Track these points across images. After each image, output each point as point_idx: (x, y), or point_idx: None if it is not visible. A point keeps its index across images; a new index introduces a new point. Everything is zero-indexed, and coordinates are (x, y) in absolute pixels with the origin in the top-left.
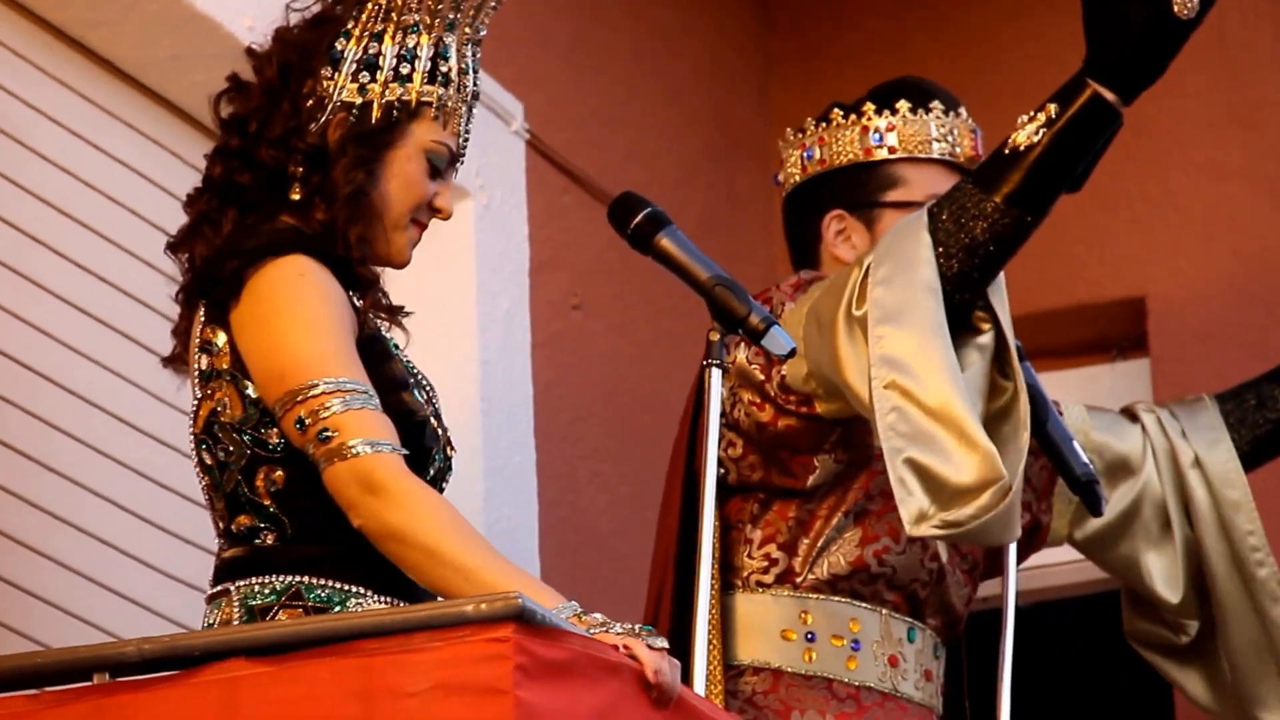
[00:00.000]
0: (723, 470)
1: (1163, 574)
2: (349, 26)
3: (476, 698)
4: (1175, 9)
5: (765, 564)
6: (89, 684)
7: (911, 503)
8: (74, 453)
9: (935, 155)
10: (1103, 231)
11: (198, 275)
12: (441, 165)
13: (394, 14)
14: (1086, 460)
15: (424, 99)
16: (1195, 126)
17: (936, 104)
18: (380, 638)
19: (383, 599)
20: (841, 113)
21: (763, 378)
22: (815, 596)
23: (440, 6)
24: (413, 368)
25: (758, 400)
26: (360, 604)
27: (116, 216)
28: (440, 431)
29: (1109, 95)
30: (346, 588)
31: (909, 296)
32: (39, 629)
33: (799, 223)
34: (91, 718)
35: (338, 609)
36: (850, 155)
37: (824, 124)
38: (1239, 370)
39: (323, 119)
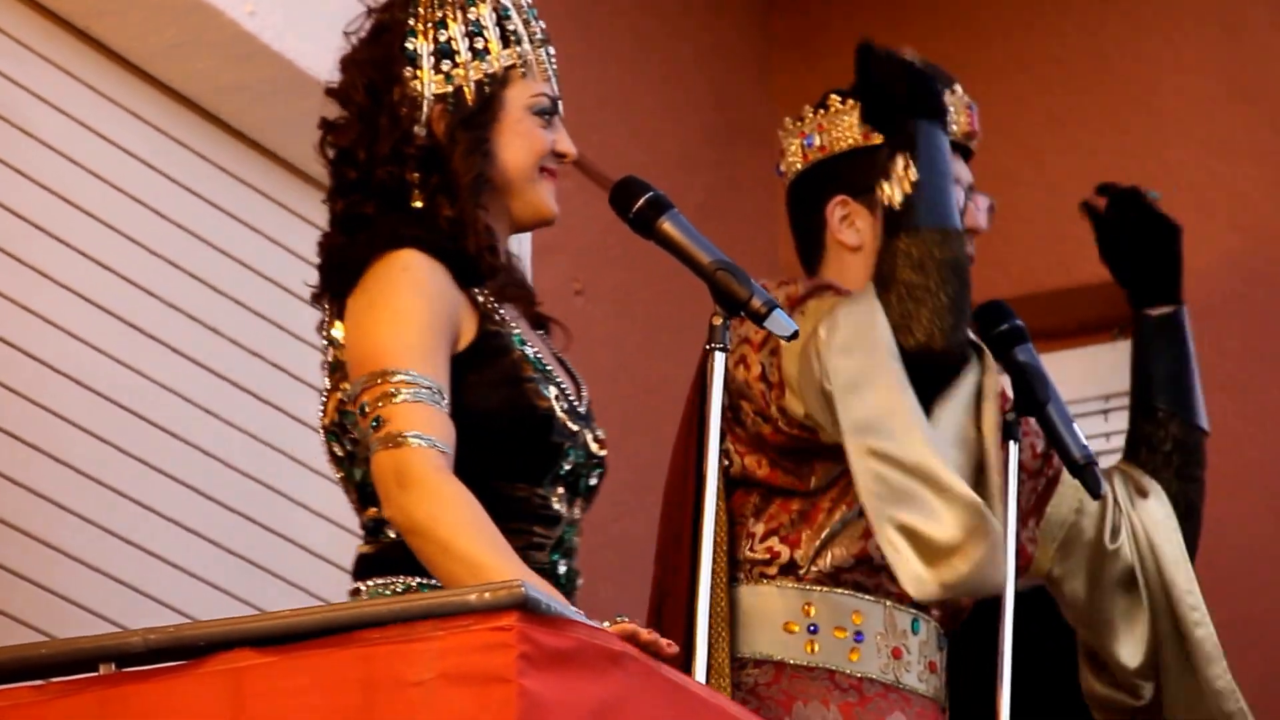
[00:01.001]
0: (726, 461)
1: (1128, 635)
2: (412, 24)
3: (480, 687)
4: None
5: (768, 556)
6: (95, 674)
7: (906, 567)
8: (79, 442)
9: None
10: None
11: (324, 272)
12: (550, 111)
13: None
14: (1085, 442)
15: (507, 64)
16: (1195, 102)
17: None
18: (383, 627)
19: None
20: (839, 98)
21: (764, 403)
22: (819, 589)
23: None
24: (543, 363)
25: (759, 418)
26: None
27: (119, 203)
28: (577, 428)
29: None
30: None
31: (870, 361)
32: (45, 619)
33: (803, 210)
34: (97, 708)
35: None
36: (850, 140)
37: (822, 110)
38: (1238, 345)
39: (423, 118)
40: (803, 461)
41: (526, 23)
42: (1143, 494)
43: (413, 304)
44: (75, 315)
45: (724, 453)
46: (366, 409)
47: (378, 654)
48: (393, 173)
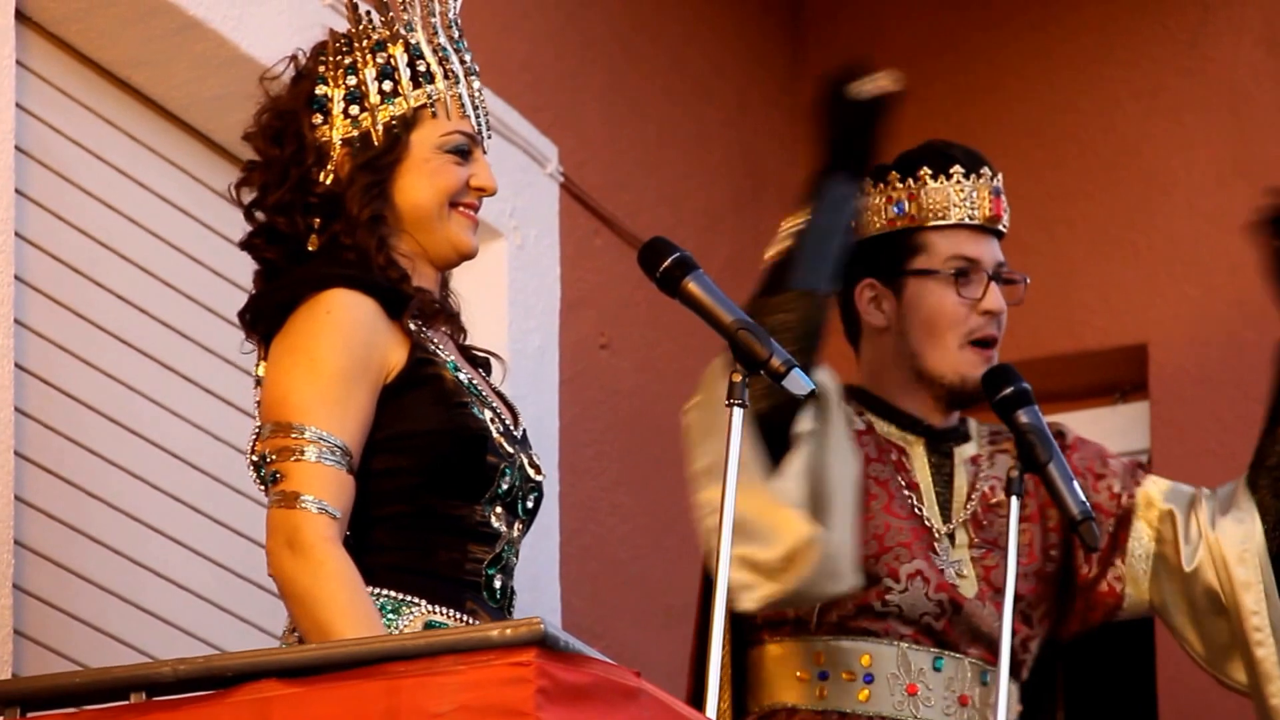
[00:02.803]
0: None
1: (1225, 655)
2: (322, 71)
3: (499, 719)
4: (851, 93)
5: (779, 618)
6: (126, 703)
7: (738, 584)
8: (114, 479)
9: (953, 221)
10: (1108, 280)
11: (250, 314)
12: (465, 149)
13: (356, 41)
14: (1084, 499)
15: (416, 105)
16: (1201, 179)
17: (957, 168)
18: (407, 660)
19: (436, 609)
20: (870, 182)
21: None
22: (827, 638)
23: (392, 16)
24: (476, 388)
25: None
26: (413, 612)
27: (159, 250)
28: (513, 450)
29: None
30: (401, 597)
31: (709, 413)
32: (77, 649)
33: (838, 292)
34: None
35: (391, 617)
36: (878, 224)
37: None
38: (1234, 414)
39: (330, 166)
40: None
41: (444, 60)
42: (1226, 513)
43: (329, 352)
44: (111, 356)
45: None
46: (269, 458)
47: (402, 686)
48: (291, 221)
